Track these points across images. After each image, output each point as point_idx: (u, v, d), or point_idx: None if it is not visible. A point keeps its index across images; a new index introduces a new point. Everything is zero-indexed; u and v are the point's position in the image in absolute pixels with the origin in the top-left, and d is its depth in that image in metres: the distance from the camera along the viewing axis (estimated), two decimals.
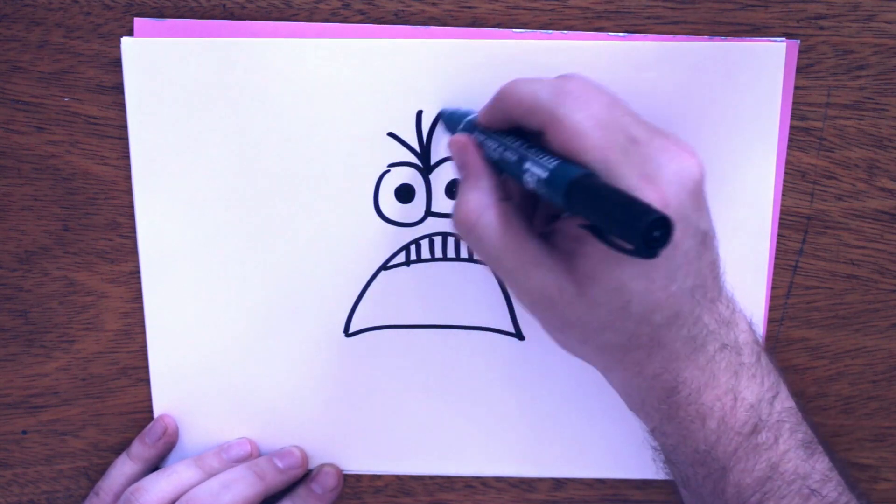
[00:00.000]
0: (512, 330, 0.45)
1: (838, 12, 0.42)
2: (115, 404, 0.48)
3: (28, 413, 0.48)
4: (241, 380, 0.46)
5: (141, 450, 0.46)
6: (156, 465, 0.47)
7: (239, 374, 0.46)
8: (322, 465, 0.46)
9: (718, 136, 0.43)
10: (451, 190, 0.44)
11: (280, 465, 0.45)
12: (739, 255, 0.44)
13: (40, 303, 0.46)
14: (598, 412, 0.46)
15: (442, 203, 0.44)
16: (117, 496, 0.44)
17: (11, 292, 0.46)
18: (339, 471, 0.46)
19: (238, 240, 0.44)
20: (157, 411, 0.47)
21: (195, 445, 0.47)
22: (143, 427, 0.47)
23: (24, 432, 0.48)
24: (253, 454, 0.46)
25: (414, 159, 0.43)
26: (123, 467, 0.46)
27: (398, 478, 0.48)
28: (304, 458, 0.46)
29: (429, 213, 0.44)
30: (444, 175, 0.44)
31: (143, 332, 0.46)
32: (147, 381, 0.47)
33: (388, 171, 0.44)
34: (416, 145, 0.43)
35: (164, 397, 0.46)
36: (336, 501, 0.48)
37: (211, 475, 0.44)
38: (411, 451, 0.47)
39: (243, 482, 0.43)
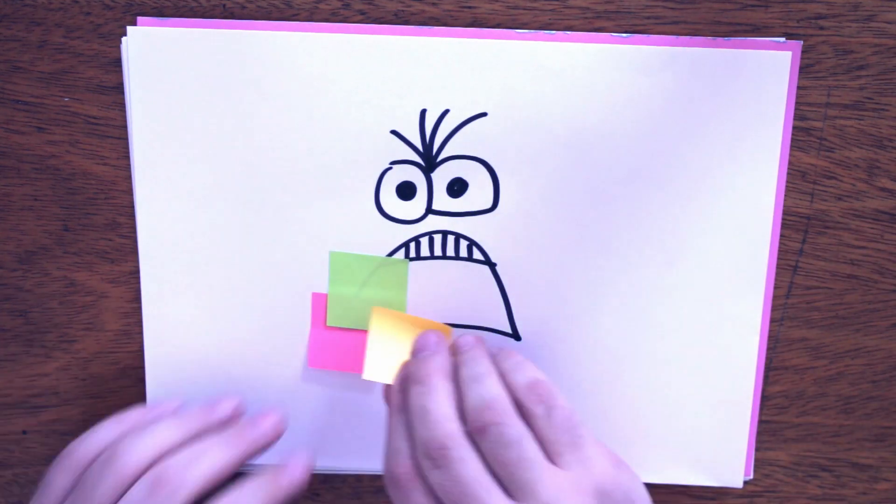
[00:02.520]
0: (509, 330, 0.45)
1: (838, 12, 0.42)
2: (115, 404, 0.48)
3: (28, 413, 0.48)
4: (241, 379, 0.46)
5: (137, 418, 0.42)
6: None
7: (238, 373, 0.46)
8: (294, 455, 0.42)
9: (721, 138, 0.43)
10: (453, 188, 0.44)
11: (255, 433, 0.42)
12: (739, 255, 0.44)
13: (40, 303, 0.46)
14: (596, 413, 0.46)
15: (443, 201, 0.44)
16: (91, 460, 0.41)
17: (11, 292, 0.46)
18: (307, 464, 0.42)
19: (237, 234, 0.44)
20: None
21: None
22: None
23: (24, 432, 0.48)
24: (236, 414, 0.43)
25: (416, 157, 0.43)
26: (108, 433, 0.41)
27: None
28: (282, 423, 0.43)
29: (429, 210, 0.44)
30: (445, 173, 0.44)
31: (143, 333, 0.46)
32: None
33: (389, 168, 0.44)
34: (418, 143, 0.43)
35: (160, 397, 0.46)
36: (337, 501, 0.49)
37: (192, 436, 0.41)
38: None
39: (215, 452, 0.40)
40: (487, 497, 0.36)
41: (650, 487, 0.49)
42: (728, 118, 0.43)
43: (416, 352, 0.42)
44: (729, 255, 0.44)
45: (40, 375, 0.47)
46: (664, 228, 0.44)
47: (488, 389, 0.38)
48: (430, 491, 0.38)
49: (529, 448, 0.37)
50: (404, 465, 0.38)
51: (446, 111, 0.43)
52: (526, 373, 0.39)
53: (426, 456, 0.37)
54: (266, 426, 0.42)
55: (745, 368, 0.45)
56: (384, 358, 0.43)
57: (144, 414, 0.43)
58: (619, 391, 0.46)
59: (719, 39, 0.42)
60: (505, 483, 0.37)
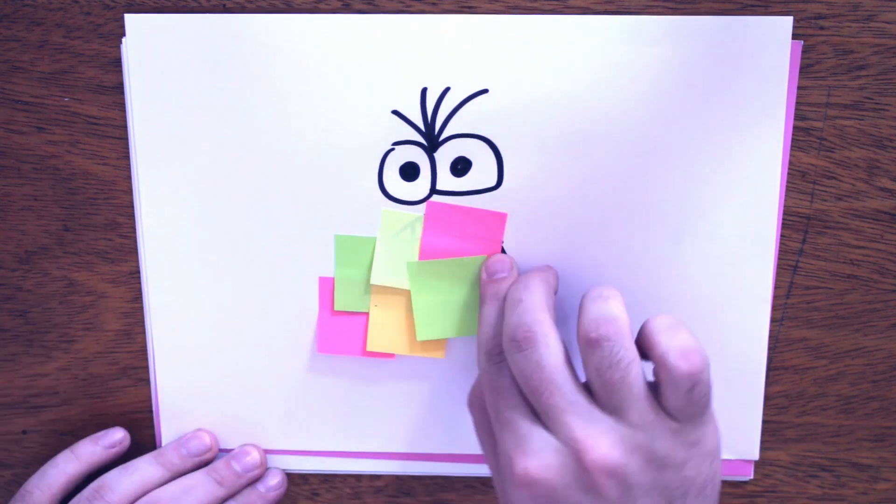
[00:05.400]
0: None
1: (838, 12, 0.42)
2: (115, 404, 0.48)
3: (28, 413, 0.48)
4: (249, 368, 0.46)
5: (91, 450, 0.45)
6: (97, 469, 0.46)
7: (246, 362, 0.46)
8: (268, 468, 0.47)
9: (725, 109, 0.42)
10: (457, 167, 0.44)
11: (238, 468, 0.45)
12: (747, 224, 0.44)
13: (40, 303, 0.46)
14: None
15: (447, 181, 0.44)
16: (55, 494, 0.44)
17: (11, 292, 0.46)
18: (282, 472, 0.47)
19: (241, 221, 0.44)
20: (163, 409, 0.47)
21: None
22: (143, 427, 0.48)
23: (24, 432, 0.48)
24: (212, 448, 0.46)
25: (419, 137, 0.43)
26: (67, 466, 0.45)
27: (398, 478, 0.49)
28: (263, 458, 0.46)
29: (433, 191, 0.44)
30: (448, 153, 0.44)
31: (143, 332, 0.46)
32: (147, 381, 0.47)
33: (392, 149, 0.44)
34: (420, 123, 0.43)
35: (169, 395, 0.47)
36: (336, 501, 0.49)
37: (172, 472, 0.45)
38: (415, 435, 0.47)
39: (203, 488, 0.44)
40: (566, 387, 0.36)
41: None
42: (731, 89, 0.42)
43: (493, 272, 0.42)
44: (737, 225, 0.44)
45: (40, 375, 0.47)
46: (671, 201, 0.44)
47: (612, 308, 0.36)
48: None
49: (636, 376, 0.35)
50: (496, 342, 0.39)
51: (447, 89, 0.43)
52: (680, 336, 0.36)
53: (511, 338, 0.37)
54: (248, 462, 0.45)
55: (757, 340, 0.45)
56: (386, 331, 0.45)
57: (97, 442, 0.46)
58: None
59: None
60: (596, 395, 0.36)
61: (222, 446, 0.47)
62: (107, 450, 0.46)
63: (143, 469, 0.44)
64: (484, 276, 0.42)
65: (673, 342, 0.35)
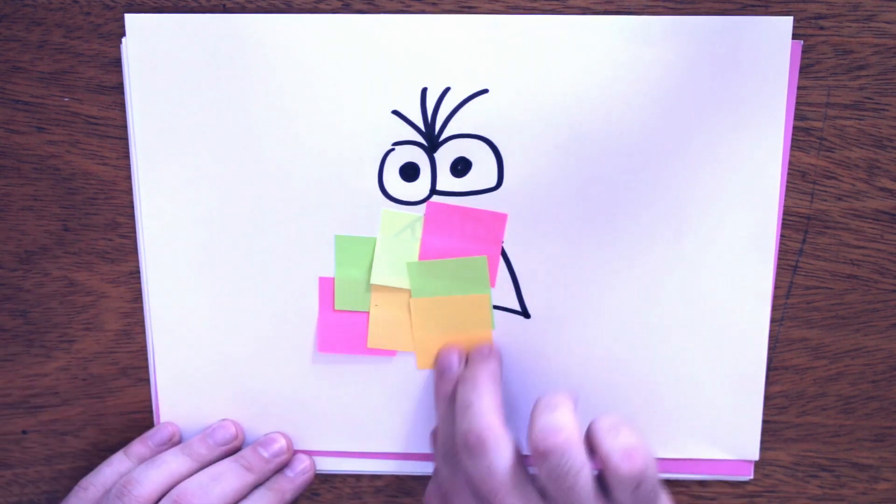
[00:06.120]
0: (518, 308, 0.45)
1: (838, 12, 0.42)
2: (115, 404, 0.48)
3: (28, 413, 0.48)
4: (250, 368, 0.46)
5: (142, 451, 0.46)
6: None
7: (247, 362, 0.46)
8: (296, 452, 0.47)
9: (725, 107, 0.42)
10: (457, 168, 0.44)
11: (266, 454, 0.45)
12: (748, 224, 0.44)
13: (40, 303, 0.46)
14: (608, 389, 0.46)
15: (447, 181, 0.44)
16: (107, 490, 0.44)
17: (11, 292, 0.46)
18: (310, 457, 0.47)
19: (241, 222, 0.44)
20: (163, 409, 0.47)
21: None
22: (142, 427, 0.48)
23: (25, 432, 0.48)
24: (238, 436, 0.46)
25: (419, 137, 0.43)
26: (120, 465, 0.45)
27: (398, 478, 0.49)
28: (289, 444, 0.46)
29: (434, 191, 0.44)
30: (449, 153, 0.44)
31: (143, 332, 0.46)
32: (147, 381, 0.47)
33: (392, 149, 0.44)
34: (420, 123, 0.43)
35: (169, 395, 0.47)
36: (336, 501, 0.49)
37: (199, 462, 0.45)
38: (415, 435, 0.47)
39: (232, 474, 0.44)
40: (518, 490, 0.36)
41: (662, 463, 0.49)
42: (731, 89, 0.42)
43: (443, 371, 0.43)
44: (737, 225, 0.44)
45: (40, 375, 0.47)
46: (671, 201, 0.44)
47: (558, 418, 0.37)
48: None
49: (585, 482, 0.36)
50: (452, 443, 0.40)
51: (447, 89, 0.43)
52: (622, 436, 0.37)
53: (464, 445, 0.38)
54: (276, 448, 0.46)
55: (757, 340, 0.45)
56: (386, 330, 0.45)
57: (147, 443, 0.46)
58: (629, 367, 0.46)
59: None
60: (550, 498, 0.37)
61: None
62: (159, 447, 0.46)
63: (171, 462, 0.44)
64: (436, 374, 0.44)
65: (616, 443, 0.36)
